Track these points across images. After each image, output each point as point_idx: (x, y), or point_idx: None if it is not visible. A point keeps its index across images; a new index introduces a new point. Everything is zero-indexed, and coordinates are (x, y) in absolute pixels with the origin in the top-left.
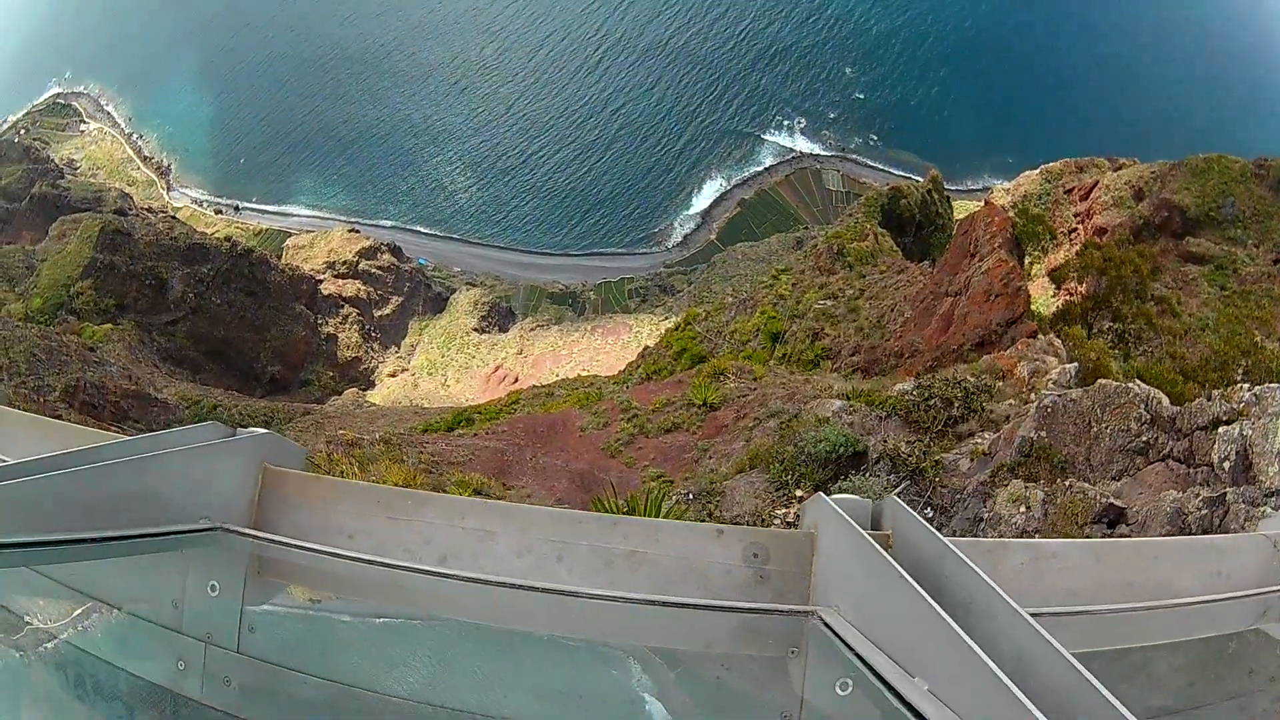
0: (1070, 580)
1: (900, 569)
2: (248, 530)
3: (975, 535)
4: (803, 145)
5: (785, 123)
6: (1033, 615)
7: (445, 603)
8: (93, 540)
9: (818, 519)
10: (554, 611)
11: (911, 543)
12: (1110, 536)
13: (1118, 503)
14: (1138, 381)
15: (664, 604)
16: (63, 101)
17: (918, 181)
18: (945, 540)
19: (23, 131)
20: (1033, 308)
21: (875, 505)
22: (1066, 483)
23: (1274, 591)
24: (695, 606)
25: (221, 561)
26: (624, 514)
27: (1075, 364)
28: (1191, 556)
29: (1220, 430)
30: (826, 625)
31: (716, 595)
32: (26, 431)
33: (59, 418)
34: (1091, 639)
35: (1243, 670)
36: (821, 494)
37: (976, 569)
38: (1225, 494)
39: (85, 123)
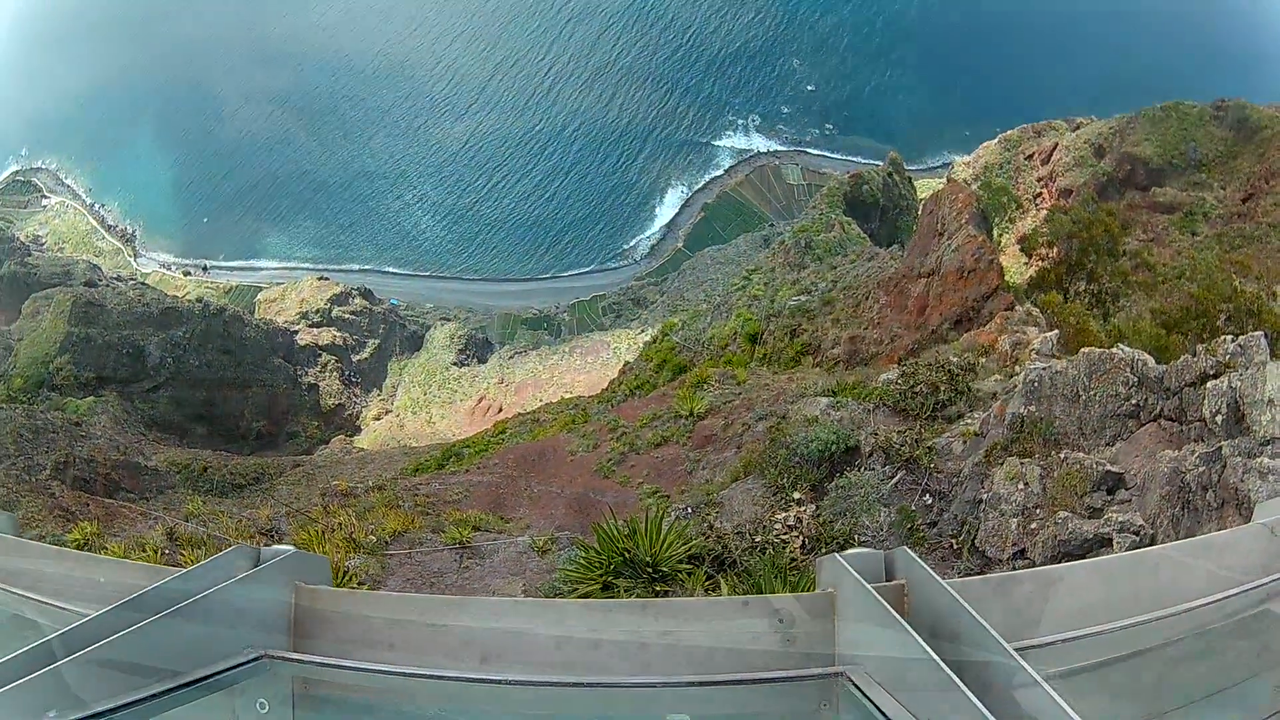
0: (1077, 601)
1: (910, 630)
2: (291, 655)
3: (976, 518)
4: (759, 143)
5: (740, 122)
6: (1047, 643)
7: (491, 702)
8: (154, 697)
9: (833, 579)
10: (595, 701)
11: (925, 594)
12: (1110, 503)
13: (1114, 469)
14: (1121, 346)
15: (701, 684)
16: (22, 179)
17: (878, 166)
18: (953, 591)
19: None
20: (1006, 279)
21: (888, 556)
22: (1061, 455)
23: (1277, 579)
24: (731, 683)
25: (269, 689)
26: (625, 536)
27: (1056, 331)
28: (1192, 557)
29: (1209, 385)
30: (854, 685)
31: (750, 665)
32: (51, 567)
33: (52, 496)
34: (1105, 653)
35: (1253, 651)
36: (835, 555)
37: (984, 623)
38: (1220, 448)
39: (46, 197)
